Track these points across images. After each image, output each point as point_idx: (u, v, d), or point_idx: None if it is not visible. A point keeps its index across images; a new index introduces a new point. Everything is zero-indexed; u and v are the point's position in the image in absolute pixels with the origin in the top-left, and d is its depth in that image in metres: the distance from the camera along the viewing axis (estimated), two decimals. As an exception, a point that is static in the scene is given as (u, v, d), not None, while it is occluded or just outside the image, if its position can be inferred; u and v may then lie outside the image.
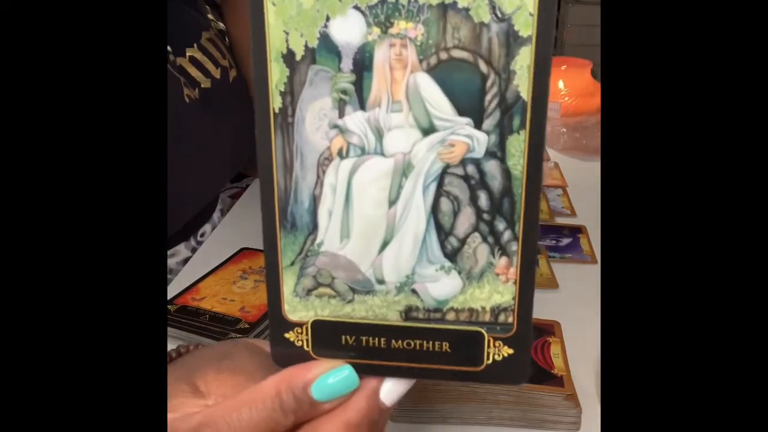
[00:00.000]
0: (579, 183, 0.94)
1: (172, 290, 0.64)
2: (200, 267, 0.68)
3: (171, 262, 0.75)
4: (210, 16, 0.85)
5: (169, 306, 0.60)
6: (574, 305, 0.63)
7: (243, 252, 0.70)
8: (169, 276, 0.71)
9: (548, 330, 0.56)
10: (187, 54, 0.72)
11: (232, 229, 0.80)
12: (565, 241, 0.77)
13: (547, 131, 1.09)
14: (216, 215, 0.86)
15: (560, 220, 0.82)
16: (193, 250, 0.78)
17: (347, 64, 0.24)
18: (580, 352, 0.54)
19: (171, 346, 0.44)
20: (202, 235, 0.81)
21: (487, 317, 0.27)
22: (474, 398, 0.48)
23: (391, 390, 0.27)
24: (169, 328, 0.57)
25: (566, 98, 1.20)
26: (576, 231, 0.79)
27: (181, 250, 0.77)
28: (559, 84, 1.22)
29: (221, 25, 0.87)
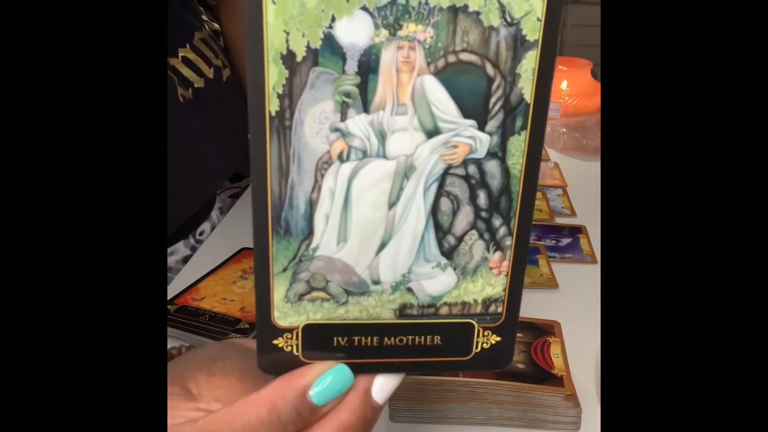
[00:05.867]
0: (579, 183, 0.94)
1: (171, 290, 0.64)
2: (200, 267, 0.68)
3: (170, 260, 0.76)
4: (204, 17, 0.85)
5: (169, 306, 0.60)
6: (574, 305, 0.63)
7: (243, 252, 0.70)
8: (168, 274, 0.71)
9: (548, 330, 0.56)
10: (180, 54, 0.73)
11: (232, 229, 0.80)
12: (565, 241, 0.77)
13: (547, 131, 1.10)
14: (215, 214, 0.86)
15: (560, 220, 0.82)
16: (192, 249, 0.78)
17: (352, 66, 0.23)
18: (580, 352, 0.54)
19: (170, 346, 0.44)
20: (200, 234, 0.81)
21: (479, 309, 0.28)
22: (474, 398, 0.48)
23: (382, 387, 0.27)
24: (169, 328, 0.57)
25: (566, 98, 1.20)
26: (576, 231, 0.79)
27: (180, 248, 0.77)
28: (559, 84, 1.22)
29: (215, 25, 0.88)
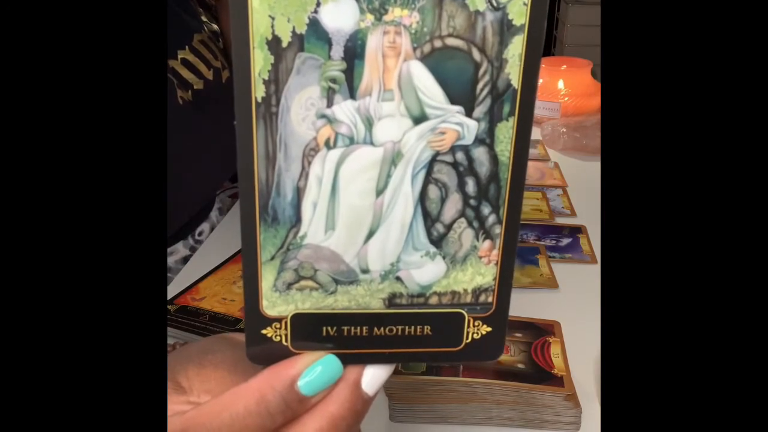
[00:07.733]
0: (579, 183, 0.94)
1: (171, 290, 0.64)
2: (200, 267, 0.68)
3: (169, 260, 0.76)
4: (203, 18, 0.85)
5: (169, 306, 0.60)
6: (574, 305, 0.63)
7: (243, 252, 0.70)
8: (168, 275, 0.71)
9: (548, 330, 0.56)
10: (179, 56, 0.73)
11: (232, 229, 0.80)
12: (565, 241, 0.77)
13: (547, 131, 1.10)
14: (214, 214, 0.86)
15: (560, 220, 0.82)
16: (192, 249, 0.78)
17: (338, 51, 0.23)
18: (580, 352, 0.54)
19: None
20: (200, 234, 0.81)
21: (469, 298, 0.27)
22: (474, 398, 0.48)
23: (372, 378, 0.27)
24: (169, 329, 0.57)
25: (566, 98, 1.20)
26: (576, 231, 0.79)
27: (179, 248, 0.77)
28: (559, 84, 1.22)
29: (214, 26, 0.88)
